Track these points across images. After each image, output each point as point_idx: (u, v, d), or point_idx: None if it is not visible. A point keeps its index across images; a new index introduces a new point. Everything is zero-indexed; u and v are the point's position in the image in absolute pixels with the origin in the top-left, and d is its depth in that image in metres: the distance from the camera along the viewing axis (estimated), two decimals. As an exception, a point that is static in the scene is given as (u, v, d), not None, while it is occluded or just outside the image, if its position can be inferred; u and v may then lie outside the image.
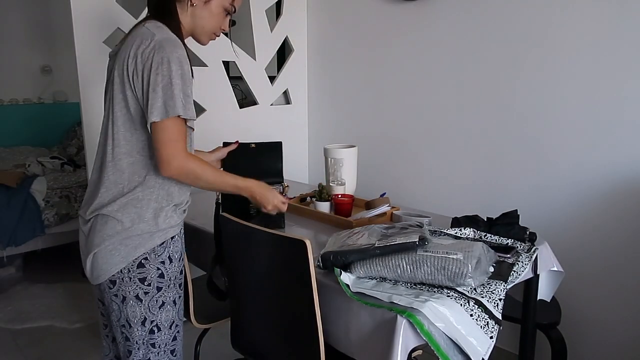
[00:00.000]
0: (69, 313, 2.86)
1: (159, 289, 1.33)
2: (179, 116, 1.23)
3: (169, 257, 1.34)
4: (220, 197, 1.73)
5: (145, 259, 1.30)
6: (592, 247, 2.05)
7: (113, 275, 1.30)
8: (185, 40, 1.39)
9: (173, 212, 1.35)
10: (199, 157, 1.33)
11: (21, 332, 2.67)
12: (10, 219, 3.17)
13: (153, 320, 1.34)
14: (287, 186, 1.85)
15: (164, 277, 1.34)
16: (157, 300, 1.34)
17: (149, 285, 1.32)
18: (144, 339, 1.34)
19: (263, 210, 1.51)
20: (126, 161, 1.30)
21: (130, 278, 1.30)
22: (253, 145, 1.83)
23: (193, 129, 1.36)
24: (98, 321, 1.53)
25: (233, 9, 1.43)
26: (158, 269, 1.32)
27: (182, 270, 1.42)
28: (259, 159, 1.80)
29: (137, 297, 1.31)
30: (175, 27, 1.33)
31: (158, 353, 1.36)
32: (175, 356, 1.41)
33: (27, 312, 2.87)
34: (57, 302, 2.97)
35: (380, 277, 1.32)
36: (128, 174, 1.30)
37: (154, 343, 1.35)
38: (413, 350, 1.17)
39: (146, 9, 2.33)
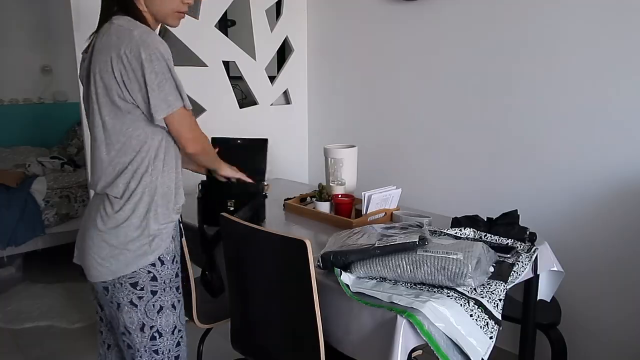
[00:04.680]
0: (69, 313, 2.86)
1: (153, 292, 1.31)
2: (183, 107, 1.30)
3: (159, 258, 1.31)
4: (200, 192, 1.75)
5: None
6: (592, 247, 2.05)
7: (104, 282, 1.29)
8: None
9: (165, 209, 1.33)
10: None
11: (21, 332, 2.67)
12: (10, 219, 3.17)
13: (153, 326, 1.32)
14: (268, 185, 1.89)
15: (156, 280, 1.31)
16: (154, 305, 1.31)
17: (142, 289, 1.29)
18: (145, 346, 1.32)
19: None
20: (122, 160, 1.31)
21: (122, 284, 1.28)
22: (239, 141, 1.86)
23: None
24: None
25: None
26: (149, 272, 1.29)
27: (178, 273, 1.38)
28: (244, 157, 1.80)
29: (131, 302, 1.29)
30: (139, 17, 1.29)
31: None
32: None
33: (27, 312, 2.87)
34: (57, 302, 2.97)
35: (380, 277, 1.32)
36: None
37: (157, 350, 1.33)
38: (413, 350, 1.17)
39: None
